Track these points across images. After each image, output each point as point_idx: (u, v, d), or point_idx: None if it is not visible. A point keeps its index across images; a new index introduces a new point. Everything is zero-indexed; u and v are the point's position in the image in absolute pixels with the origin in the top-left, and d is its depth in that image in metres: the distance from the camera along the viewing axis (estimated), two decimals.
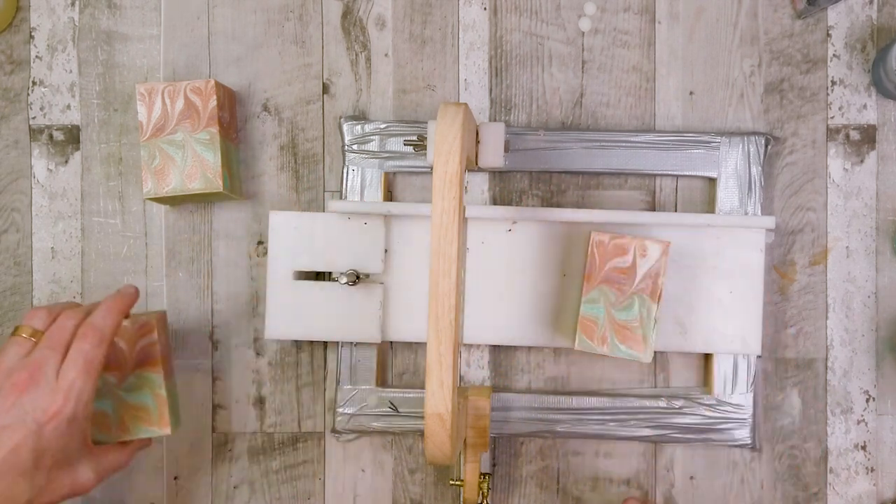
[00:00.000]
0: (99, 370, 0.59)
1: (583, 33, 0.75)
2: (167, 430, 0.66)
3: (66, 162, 0.76)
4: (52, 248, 0.75)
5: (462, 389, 0.68)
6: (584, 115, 0.75)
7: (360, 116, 0.75)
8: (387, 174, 0.74)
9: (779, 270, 0.74)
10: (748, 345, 0.72)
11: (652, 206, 0.74)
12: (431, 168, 0.64)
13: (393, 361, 0.75)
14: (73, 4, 0.76)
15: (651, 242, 0.67)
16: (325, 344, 0.75)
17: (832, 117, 0.74)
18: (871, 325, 0.74)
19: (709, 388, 0.73)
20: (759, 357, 0.72)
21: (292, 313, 0.72)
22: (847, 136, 0.74)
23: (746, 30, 0.74)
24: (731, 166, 0.72)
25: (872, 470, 0.73)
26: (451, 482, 0.70)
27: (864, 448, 0.73)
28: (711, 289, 0.72)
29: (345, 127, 0.74)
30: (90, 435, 0.61)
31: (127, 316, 0.64)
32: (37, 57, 0.76)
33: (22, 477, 0.57)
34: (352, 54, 0.75)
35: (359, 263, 0.72)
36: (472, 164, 0.68)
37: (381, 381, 0.74)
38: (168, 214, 0.76)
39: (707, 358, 0.74)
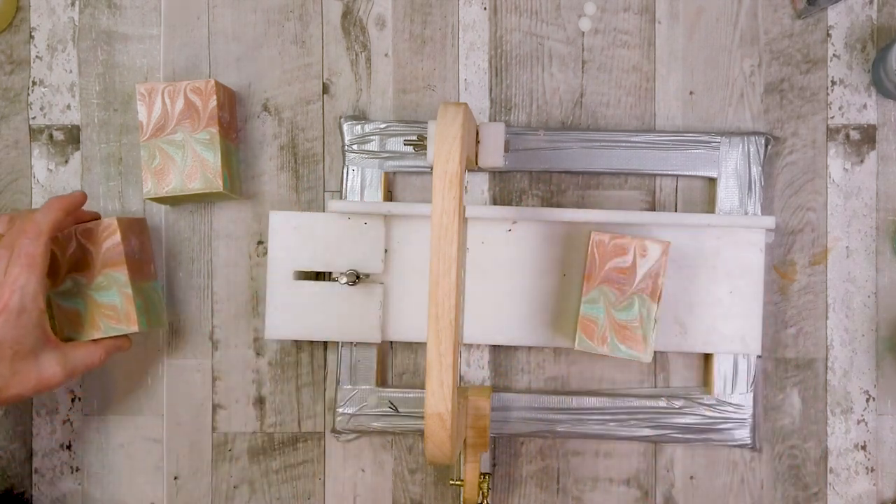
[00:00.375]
0: (41, 263, 0.63)
1: (583, 33, 0.75)
2: (134, 328, 0.68)
3: (66, 162, 0.76)
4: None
5: (462, 389, 0.68)
6: (584, 115, 0.75)
7: (360, 116, 0.75)
8: (387, 174, 0.74)
9: (779, 270, 0.74)
10: (748, 345, 0.72)
11: (652, 206, 0.74)
12: (431, 168, 0.65)
13: (393, 361, 0.75)
14: (73, 4, 0.76)
15: (651, 242, 0.67)
16: (325, 344, 0.75)
17: (832, 117, 0.74)
18: (871, 325, 0.74)
19: (709, 388, 0.73)
20: (759, 357, 0.72)
21: (292, 313, 0.72)
22: (847, 135, 0.74)
23: (746, 30, 0.74)
24: (731, 166, 0.72)
25: (872, 470, 0.73)
26: (451, 482, 0.70)
27: (864, 448, 0.73)
28: (711, 289, 0.72)
29: (345, 127, 0.74)
30: (51, 330, 0.65)
31: (96, 218, 0.69)
32: (37, 57, 0.76)
33: None
34: (352, 54, 0.75)
35: (359, 263, 0.72)
36: (472, 164, 0.68)
37: (381, 381, 0.74)
38: (168, 214, 0.76)
39: (707, 358, 0.74)
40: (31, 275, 0.62)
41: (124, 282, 0.68)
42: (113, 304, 0.68)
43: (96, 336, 0.68)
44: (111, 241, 0.68)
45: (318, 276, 0.74)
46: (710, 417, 0.72)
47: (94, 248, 0.68)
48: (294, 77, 0.75)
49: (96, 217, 0.70)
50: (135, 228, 0.71)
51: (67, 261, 0.68)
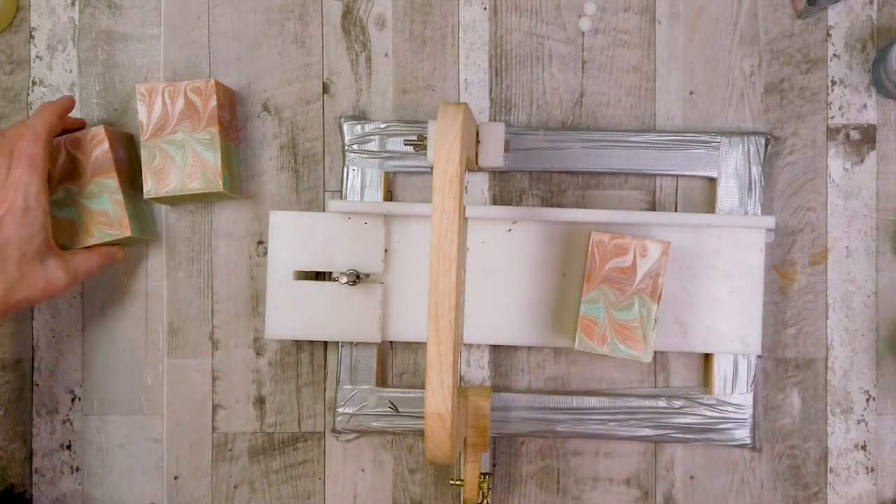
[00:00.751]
0: (42, 164, 0.65)
1: (583, 33, 0.75)
2: (127, 232, 0.70)
3: None
4: None
5: (462, 389, 0.68)
6: (584, 115, 0.75)
7: (360, 116, 0.75)
8: (387, 174, 0.74)
9: (779, 270, 0.74)
10: (748, 345, 0.72)
11: (652, 206, 0.74)
12: (431, 168, 0.64)
13: (393, 361, 0.75)
14: (73, 4, 0.76)
15: (651, 242, 0.67)
16: (325, 344, 0.75)
17: (832, 117, 0.74)
18: (871, 325, 0.74)
19: (709, 388, 0.73)
20: (759, 357, 0.72)
21: (292, 313, 0.72)
22: (847, 135, 0.74)
23: (746, 29, 0.74)
24: (731, 166, 0.72)
25: (872, 470, 0.73)
26: (451, 482, 0.70)
27: (864, 448, 0.73)
28: (711, 289, 0.72)
29: (345, 127, 0.74)
30: (55, 238, 0.67)
31: (81, 127, 0.71)
32: (37, 57, 0.76)
33: None
34: (352, 54, 0.75)
35: (359, 263, 0.72)
36: (472, 164, 0.68)
37: (381, 381, 0.74)
38: (168, 214, 0.76)
39: (707, 358, 0.74)
40: (34, 175, 0.64)
41: (115, 188, 0.70)
42: (105, 211, 0.70)
43: (91, 243, 0.70)
44: (100, 149, 0.70)
45: (318, 276, 0.74)
46: (710, 417, 0.72)
47: (84, 157, 0.70)
48: (294, 77, 0.75)
49: (81, 125, 0.72)
50: (122, 141, 0.72)
51: (58, 171, 0.70)
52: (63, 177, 0.70)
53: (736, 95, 0.74)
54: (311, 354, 0.75)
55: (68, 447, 0.76)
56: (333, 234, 0.72)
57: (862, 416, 0.73)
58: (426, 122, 0.71)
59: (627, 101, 0.75)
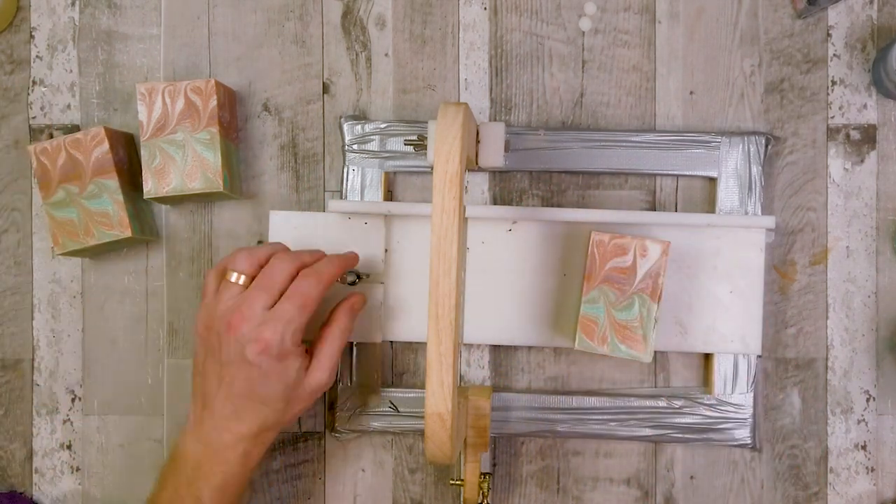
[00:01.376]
0: (312, 310, 0.63)
1: (583, 33, 0.75)
2: (128, 232, 0.70)
3: None
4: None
5: (462, 389, 0.68)
6: (585, 115, 0.75)
7: (360, 116, 0.75)
8: (387, 174, 0.74)
9: (779, 270, 0.74)
10: (748, 345, 0.72)
11: (652, 206, 0.74)
12: (432, 168, 0.64)
13: (393, 361, 0.75)
14: (73, 4, 0.76)
15: (651, 242, 0.67)
16: None
17: (832, 117, 0.74)
18: (871, 325, 0.74)
19: (709, 387, 0.73)
20: (759, 357, 0.72)
21: None
22: (847, 135, 0.74)
23: (747, 29, 0.74)
24: (731, 166, 0.72)
25: (872, 470, 0.73)
26: (452, 482, 0.70)
27: (864, 448, 0.73)
28: (711, 289, 0.72)
29: (345, 127, 0.74)
30: (54, 239, 0.69)
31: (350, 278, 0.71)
32: (37, 57, 0.76)
33: (262, 403, 0.63)
34: (352, 54, 0.75)
35: (359, 263, 0.72)
36: (472, 164, 0.68)
37: (381, 381, 0.74)
38: (168, 214, 0.76)
39: (707, 358, 0.74)
40: (302, 315, 0.62)
41: (115, 188, 0.70)
42: (105, 211, 0.70)
43: (91, 242, 0.70)
44: (100, 149, 0.70)
45: None
46: (711, 417, 0.72)
47: (84, 157, 0.70)
48: (294, 77, 0.75)
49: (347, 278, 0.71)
50: (122, 141, 0.72)
51: (58, 172, 0.70)
52: (63, 177, 0.70)
53: (736, 95, 0.74)
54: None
55: (68, 447, 0.76)
56: (333, 234, 0.72)
57: (862, 416, 0.73)
58: (426, 122, 0.71)
59: (627, 101, 0.75)
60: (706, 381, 0.74)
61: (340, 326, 0.66)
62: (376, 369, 0.74)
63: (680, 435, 0.72)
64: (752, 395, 0.72)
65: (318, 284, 0.63)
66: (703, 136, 0.73)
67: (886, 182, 0.74)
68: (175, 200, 0.73)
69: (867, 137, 0.74)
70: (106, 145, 0.70)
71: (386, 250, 0.73)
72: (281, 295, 0.63)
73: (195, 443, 0.64)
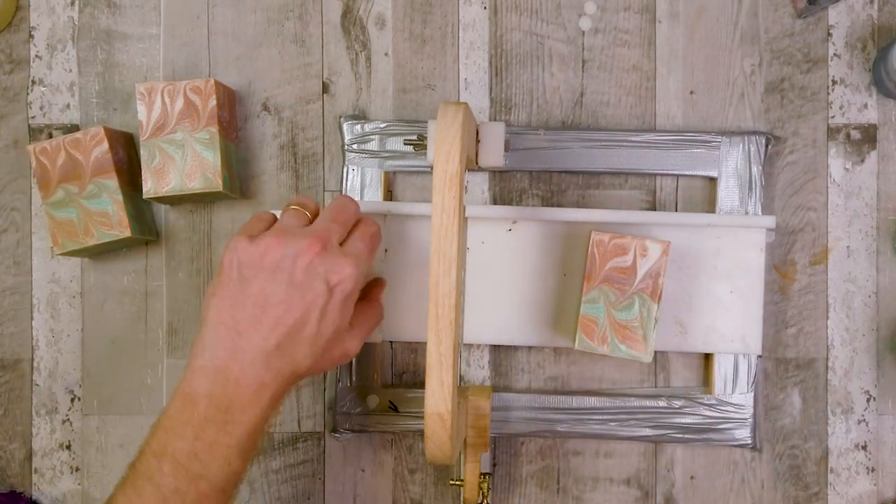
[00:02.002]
0: (374, 256, 0.64)
1: (583, 32, 0.75)
2: (127, 232, 0.70)
3: None
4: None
5: (462, 389, 0.68)
6: (585, 115, 0.75)
7: (360, 116, 0.75)
8: (387, 174, 0.74)
9: (779, 270, 0.74)
10: (748, 345, 0.72)
11: (652, 206, 0.74)
12: (431, 167, 0.64)
13: (393, 361, 0.75)
14: (72, 4, 0.76)
15: (651, 242, 0.67)
16: None
17: (833, 117, 0.74)
18: (871, 325, 0.74)
19: (709, 387, 0.73)
20: (759, 357, 0.72)
21: None
22: (848, 135, 0.74)
23: (747, 29, 0.74)
24: (731, 166, 0.72)
25: (873, 470, 0.73)
26: (451, 482, 0.70)
27: (864, 448, 0.73)
28: (711, 289, 0.72)
29: (345, 126, 0.74)
30: (54, 240, 0.69)
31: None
32: (36, 56, 0.76)
33: (307, 342, 0.60)
34: (352, 54, 0.75)
35: None
36: (472, 164, 0.68)
37: (381, 381, 0.74)
38: (168, 214, 0.76)
39: (707, 358, 0.74)
40: (370, 258, 0.63)
41: (115, 188, 0.70)
42: (105, 211, 0.70)
43: (91, 243, 0.70)
44: (99, 149, 0.70)
45: None
46: (711, 417, 0.72)
47: (83, 157, 0.70)
48: (294, 76, 0.75)
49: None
50: (122, 140, 0.72)
51: (58, 171, 0.70)
52: (62, 177, 0.70)
53: (736, 95, 0.74)
54: None
55: (68, 447, 0.75)
56: None
57: (862, 416, 0.73)
58: (426, 122, 0.71)
59: (627, 101, 0.75)
60: (706, 381, 0.74)
61: (379, 307, 0.67)
62: (376, 369, 0.74)
63: (680, 435, 0.72)
64: (752, 395, 0.72)
65: (376, 234, 0.64)
66: (703, 135, 0.73)
67: (887, 182, 0.74)
68: (174, 200, 0.73)
69: (867, 137, 0.74)
70: (105, 145, 0.70)
71: (385, 250, 0.72)
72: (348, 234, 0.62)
73: (222, 381, 0.57)
